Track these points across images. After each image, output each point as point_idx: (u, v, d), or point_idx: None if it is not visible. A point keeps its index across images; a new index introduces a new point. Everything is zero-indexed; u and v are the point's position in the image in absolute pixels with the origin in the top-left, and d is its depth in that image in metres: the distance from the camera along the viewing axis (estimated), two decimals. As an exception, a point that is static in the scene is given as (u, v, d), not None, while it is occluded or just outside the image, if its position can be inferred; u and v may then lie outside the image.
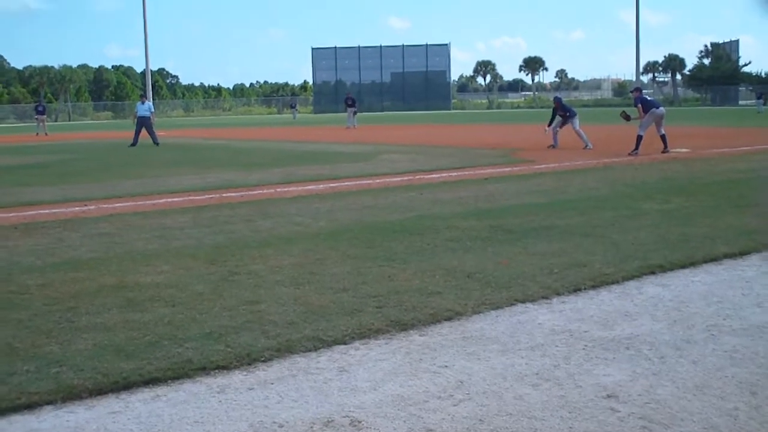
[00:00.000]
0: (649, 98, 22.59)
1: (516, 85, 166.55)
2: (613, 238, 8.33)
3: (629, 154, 19.77)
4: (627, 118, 21.94)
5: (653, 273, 6.82)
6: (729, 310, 5.66)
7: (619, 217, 9.79)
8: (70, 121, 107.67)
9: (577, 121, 23.65)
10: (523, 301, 5.94)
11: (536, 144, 24.85)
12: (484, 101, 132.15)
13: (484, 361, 4.64)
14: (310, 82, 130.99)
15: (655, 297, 6.09)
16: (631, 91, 24.62)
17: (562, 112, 23.92)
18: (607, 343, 4.95)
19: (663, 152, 20.16)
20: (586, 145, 22.62)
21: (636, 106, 21.27)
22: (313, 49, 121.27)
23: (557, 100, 24.98)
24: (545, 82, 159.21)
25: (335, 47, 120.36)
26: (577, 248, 7.80)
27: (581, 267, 6.97)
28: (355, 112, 47.64)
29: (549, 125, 24.19)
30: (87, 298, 6.23)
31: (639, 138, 20.36)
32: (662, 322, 5.41)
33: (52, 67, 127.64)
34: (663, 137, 20.77)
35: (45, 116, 53.12)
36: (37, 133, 48.75)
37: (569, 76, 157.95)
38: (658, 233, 8.58)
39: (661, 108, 21.25)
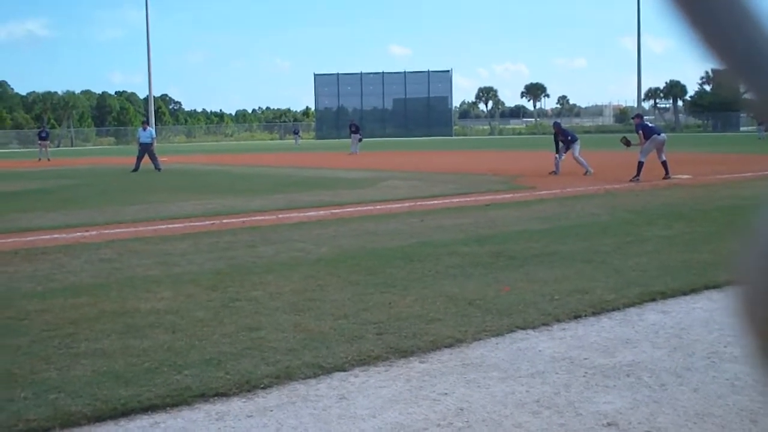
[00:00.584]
0: (650, 125, 22.61)
1: (518, 112, 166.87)
2: (615, 264, 8.32)
3: (630, 180, 19.78)
4: (627, 143, 21.97)
5: (654, 300, 6.80)
6: (730, 338, 5.64)
7: (621, 243, 9.77)
8: (72, 146, 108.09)
9: (577, 147, 23.60)
10: (523, 328, 5.93)
11: (538, 170, 24.87)
12: (485, 127, 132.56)
13: (484, 389, 4.62)
14: (313, 108, 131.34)
15: (656, 324, 6.07)
16: (633, 118, 24.53)
17: (563, 138, 23.83)
18: (608, 370, 4.93)
19: (664, 178, 20.17)
20: (587, 171, 22.66)
21: (637, 132, 21.30)
22: (315, 75, 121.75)
23: (557, 125, 24.92)
24: (547, 108, 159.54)
25: (337, 74, 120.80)
26: (579, 275, 7.79)
27: (582, 294, 6.95)
28: (360, 139, 47.67)
29: (557, 153, 23.84)
30: (86, 324, 6.21)
31: (640, 164, 20.39)
32: (663, 349, 5.39)
33: (56, 92, 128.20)
34: (664, 163, 20.78)
35: (48, 142, 53.27)
36: (40, 159, 48.80)
37: (571, 102, 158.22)
38: (660, 259, 8.57)
39: (663, 134, 21.27)
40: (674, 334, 5.78)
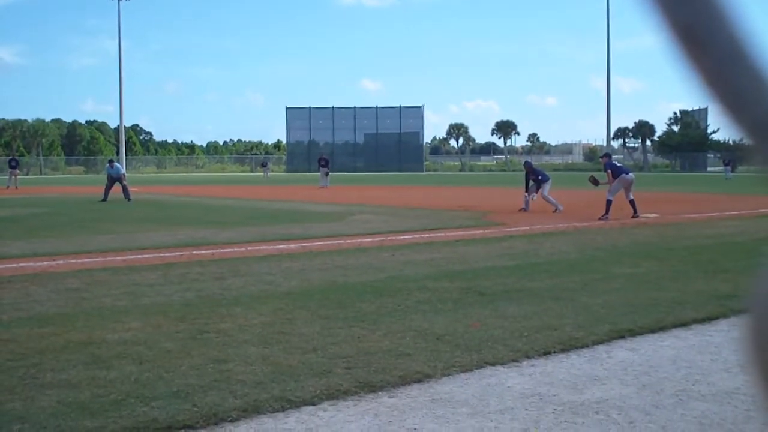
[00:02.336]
0: (618, 164, 22.79)
1: (488, 149, 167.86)
2: (583, 301, 8.35)
3: (599, 219, 19.90)
4: (595, 182, 22.17)
5: (623, 337, 6.84)
6: (698, 376, 5.68)
7: (590, 280, 9.83)
8: (41, 174, 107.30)
9: (548, 186, 23.75)
10: (493, 364, 5.93)
11: (508, 207, 24.99)
12: (456, 164, 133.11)
13: (453, 424, 4.62)
14: (284, 141, 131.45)
15: (625, 361, 6.09)
16: (601, 157, 24.72)
17: (534, 176, 23.92)
18: (577, 407, 4.94)
19: (633, 217, 20.33)
20: (556, 208, 22.79)
21: (606, 171, 21.50)
22: (287, 108, 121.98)
23: (528, 164, 24.99)
24: (517, 145, 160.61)
25: (309, 107, 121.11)
26: (548, 311, 7.81)
27: (551, 330, 6.97)
28: (327, 173, 48.26)
29: (527, 191, 24.00)
30: (52, 354, 6.15)
31: (608, 203, 20.54)
32: (631, 386, 5.41)
33: (25, 120, 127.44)
34: (632, 202, 20.96)
35: (18, 170, 53.02)
36: (8, 186, 48.52)
37: (541, 140, 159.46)
38: (628, 297, 8.62)
39: (631, 174, 21.46)
40: (643, 371, 5.80)
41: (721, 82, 0.62)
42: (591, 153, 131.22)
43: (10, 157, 60.28)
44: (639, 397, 5.15)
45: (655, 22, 0.64)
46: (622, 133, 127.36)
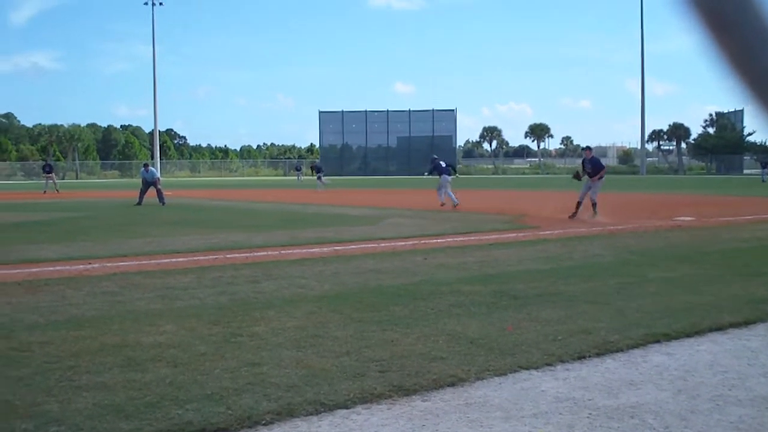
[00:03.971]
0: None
1: (522, 151, 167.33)
2: (618, 305, 8.30)
3: (570, 217, 20.44)
4: (578, 177, 22.58)
5: (658, 341, 6.78)
6: (734, 380, 5.62)
7: (624, 284, 9.76)
8: (77, 179, 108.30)
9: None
10: (526, 368, 5.90)
11: (542, 210, 24.89)
12: (489, 167, 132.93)
13: (487, 429, 4.60)
14: (317, 145, 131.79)
15: (660, 366, 6.04)
16: (584, 149, 24.34)
17: (590, 169, 22.41)
18: (612, 411, 4.90)
19: (571, 217, 21.12)
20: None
21: (596, 165, 21.78)
22: (320, 112, 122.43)
23: (588, 148, 23.74)
24: (551, 148, 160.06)
25: (342, 111, 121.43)
26: (582, 315, 7.77)
27: (586, 334, 6.93)
28: (319, 177, 51.16)
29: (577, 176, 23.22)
30: (88, 356, 6.20)
31: (587, 204, 20.94)
32: (667, 391, 5.36)
33: (61, 125, 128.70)
34: (578, 204, 21.73)
35: (53, 174, 53.59)
36: (45, 191, 49.05)
37: (575, 142, 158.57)
38: (663, 301, 8.55)
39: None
40: (678, 376, 5.75)
41: (749, 64, 0.61)
42: (625, 156, 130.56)
43: (44, 163, 60.95)
44: (675, 402, 5.10)
45: (683, 9, 0.63)
46: (656, 135, 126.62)
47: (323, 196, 41.40)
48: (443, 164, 28.75)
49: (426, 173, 29.28)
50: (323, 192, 46.17)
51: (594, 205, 21.61)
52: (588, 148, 23.47)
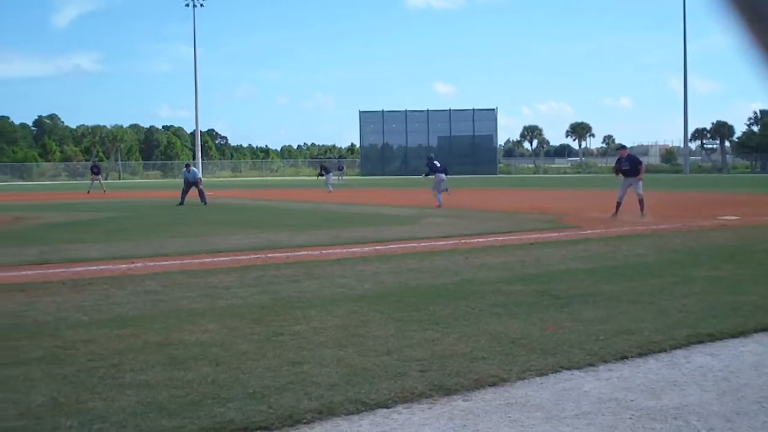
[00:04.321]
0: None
1: (562, 151, 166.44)
2: (661, 305, 8.22)
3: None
4: (617, 172, 22.32)
5: (702, 342, 6.70)
6: (781, 382, 5.54)
7: (667, 284, 9.67)
8: (120, 179, 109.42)
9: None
10: (568, 368, 5.87)
11: (583, 209, 24.74)
12: (530, 166, 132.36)
13: (528, 429, 4.57)
14: (358, 145, 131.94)
15: (704, 366, 5.98)
16: (618, 148, 23.94)
17: (628, 167, 22.11)
18: (655, 412, 4.86)
19: (612, 217, 20.95)
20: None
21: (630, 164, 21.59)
22: (360, 112, 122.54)
23: (624, 147, 23.35)
24: (592, 147, 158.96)
25: (382, 111, 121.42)
26: (624, 315, 7.71)
27: (628, 334, 6.87)
28: (320, 175, 51.73)
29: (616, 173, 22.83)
30: (131, 355, 6.25)
31: (630, 204, 20.75)
32: (711, 392, 5.30)
33: (104, 126, 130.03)
34: (617, 204, 21.51)
35: (100, 176, 54.42)
36: (89, 191, 49.71)
37: (616, 141, 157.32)
38: (707, 301, 8.46)
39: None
40: (723, 377, 5.68)
41: None
42: (668, 154, 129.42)
43: (92, 164, 61.93)
44: (719, 404, 5.05)
45: (721, 5, 0.62)
46: (699, 134, 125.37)
47: (333, 195, 42.23)
48: (438, 164, 29.61)
49: (424, 174, 30.58)
50: (332, 191, 46.49)
51: (641, 202, 21.38)
52: (623, 146, 23.14)
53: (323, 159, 71.76)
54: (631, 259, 12.29)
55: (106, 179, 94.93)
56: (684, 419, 4.73)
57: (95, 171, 54.29)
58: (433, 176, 29.41)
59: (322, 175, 51.41)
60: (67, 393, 5.20)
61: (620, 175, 22.16)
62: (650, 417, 4.77)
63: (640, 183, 21.69)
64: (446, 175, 29.09)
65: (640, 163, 22.52)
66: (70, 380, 5.52)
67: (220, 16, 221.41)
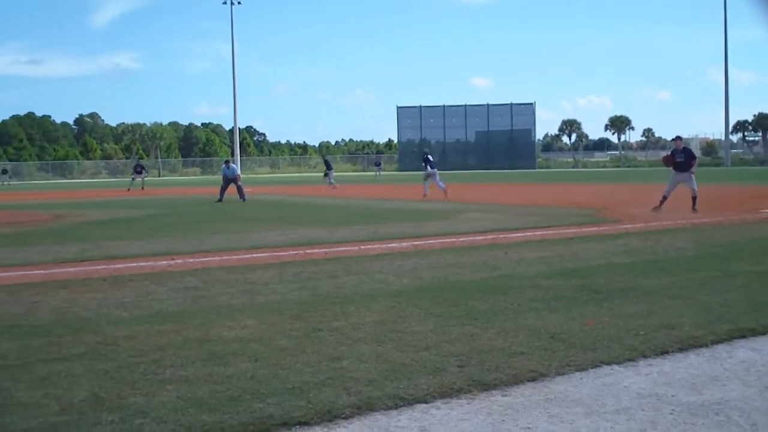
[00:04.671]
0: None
1: (602, 144, 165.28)
2: (702, 299, 8.14)
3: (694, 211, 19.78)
4: (668, 163, 22.04)
5: (744, 336, 6.63)
6: (824, 377, 5.47)
7: (708, 278, 9.57)
8: (159, 176, 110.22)
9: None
10: (608, 363, 5.83)
11: (622, 203, 24.56)
12: (569, 160, 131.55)
13: (568, 424, 4.55)
14: (395, 140, 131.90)
15: (747, 361, 5.91)
16: (674, 139, 23.23)
17: (683, 158, 21.84)
18: (696, 408, 4.81)
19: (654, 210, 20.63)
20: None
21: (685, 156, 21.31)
22: (398, 107, 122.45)
23: (679, 138, 22.97)
24: (631, 141, 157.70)
25: (420, 106, 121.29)
26: (665, 310, 7.64)
27: (668, 329, 6.82)
28: (326, 174, 52.05)
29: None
30: (171, 350, 6.30)
31: (680, 198, 20.48)
32: (754, 387, 5.24)
33: (144, 124, 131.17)
34: (663, 198, 21.19)
35: (143, 175, 55.40)
36: (129, 189, 50.42)
37: (656, 135, 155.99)
38: (749, 295, 8.36)
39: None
40: (765, 372, 5.61)
41: None
42: (709, 147, 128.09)
43: (137, 163, 63.13)
44: (762, 399, 4.99)
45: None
46: (741, 126, 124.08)
47: (333, 191, 42.96)
48: (431, 158, 34.13)
49: (424, 170, 33.83)
50: (331, 188, 46.85)
51: (694, 199, 21.01)
52: (678, 138, 22.71)
53: (327, 156, 71.44)
54: (672, 253, 12.19)
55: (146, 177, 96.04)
56: (726, 415, 4.68)
57: (138, 170, 55.44)
58: (428, 169, 33.18)
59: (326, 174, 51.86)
60: (108, 388, 5.25)
61: (671, 168, 21.87)
62: (691, 412, 4.73)
63: (694, 177, 21.33)
64: (435, 170, 33.33)
65: (694, 157, 22.22)
66: (112, 376, 5.57)
67: (258, 13, 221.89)
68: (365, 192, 40.44)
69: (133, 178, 54.46)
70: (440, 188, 32.10)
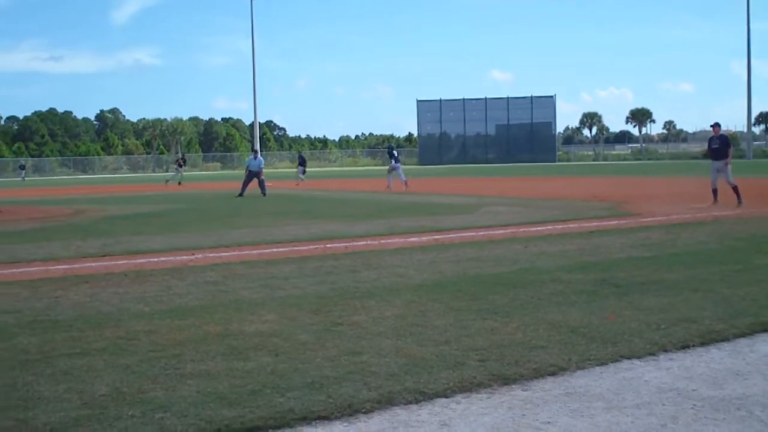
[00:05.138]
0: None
1: (623, 137, 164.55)
2: (723, 293, 8.10)
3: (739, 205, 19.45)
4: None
5: (766, 330, 6.59)
6: None
7: (730, 271, 9.52)
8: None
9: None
10: (628, 358, 5.81)
11: (643, 196, 24.44)
12: (590, 153, 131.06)
13: (588, 419, 4.54)
14: (415, 134, 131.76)
15: (768, 355, 5.88)
16: (712, 126, 22.14)
17: (718, 145, 21.34)
18: (717, 402, 4.79)
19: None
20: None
21: (720, 143, 20.93)
22: (418, 101, 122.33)
23: (717, 125, 22.03)
24: (653, 133, 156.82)
25: (440, 100, 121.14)
26: (686, 303, 7.61)
27: (690, 323, 6.79)
28: (303, 171, 50.85)
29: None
30: (192, 345, 6.33)
31: (734, 188, 20.02)
32: (775, 381, 5.21)
33: (164, 119, 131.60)
34: (714, 191, 20.61)
35: (181, 168, 55.97)
36: (180, 183, 51.43)
37: (677, 127, 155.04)
38: (771, 289, 8.31)
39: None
40: (787, 366, 5.58)
41: None
42: (731, 139, 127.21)
43: (180, 156, 63.75)
44: (784, 393, 4.96)
45: None
46: (764, 118, 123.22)
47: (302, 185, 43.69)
48: (396, 154, 37.40)
49: (389, 162, 37.41)
50: (301, 183, 47.10)
51: (735, 190, 20.41)
52: (717, 124, 21.86)
53: (302, 152, 71.14)
54: (693, 246, 12.12)
55: (166, 171, 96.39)
56: (747, 410, 4.66)
57: (181, 164, 56.32)
58: (392, 162, 36.58)
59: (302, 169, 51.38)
60: (129, 383, 5.27)
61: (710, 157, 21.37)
62: (712, 407, 4.71)
63: (729, 169, 20.84)
64: (399, 165, 36.90)
65: (729, 145, 21.70)
66: (133, 370, 5.60)
67: (278, 8, 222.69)
68: (384, 186, 40.44)
69: (177, 171, 55.08)
70: (402, 181, 35.39)
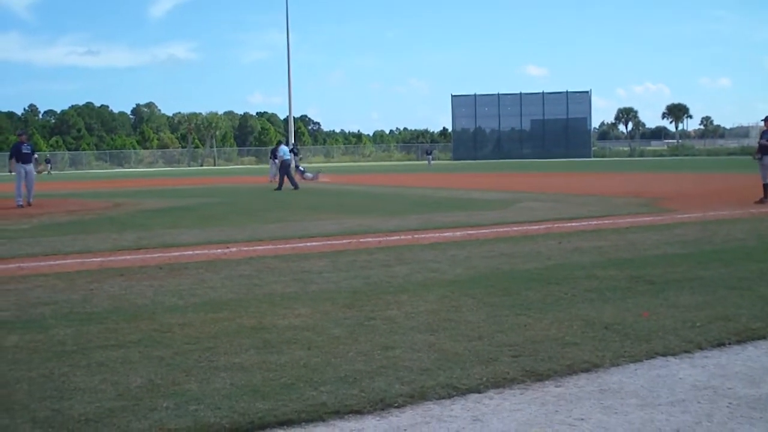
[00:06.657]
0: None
1: (659, 133, 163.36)
2: (761, 291, 8.01)
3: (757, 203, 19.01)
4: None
5: (804, 329, 6.52)
6: None
7: (767, 269, 9.41)
8: (215, 165, 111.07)
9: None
10: (663, 355, 5.76)
11: (679, 192, 24.24)
12: (625, 149, 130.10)
13: (622, 416, 4.51)
14: (450, 129, 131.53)
15: (806, 354, 5.81)
16: (764, 120, 20.94)
17: (766, 141, 20.43)
18: (754, 401, 4.74)
19: (758, 202, 19.28)
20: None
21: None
22: (452, 96, 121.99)
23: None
24: (689, 129, 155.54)
25: (475, 95, 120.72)
26: (722, 301, 7.53)
27: (726, 321, 6.72)
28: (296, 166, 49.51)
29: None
30: (226, 338, 6.36)
31: (765, 186, 19.48)
32: (813, 380, 5.15)
33: (199, 113, 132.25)
34: (765, 187, 19.83)
35: (298, 157, 52.96)
36: (300, 179, 50.47)
37: (715, 123, 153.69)
38: (809, 287, 8.21)
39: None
40: (825, 365, 5.52)
41: None
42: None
43: (293, 146, 61.66)
44: (821, 392, 4.90)
45: None
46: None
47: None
48: (286, 149, 37.23)
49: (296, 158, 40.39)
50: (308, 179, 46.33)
51: (765, 187, 19.74)
52: None
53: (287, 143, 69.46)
54: (730, 243, 12.00)
55: (201, 165, 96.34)
56: (784, 408, 4.61)
57: (295, 152, 54.50)
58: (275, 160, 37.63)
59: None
60: (163, 375, 5.31)
61: (758, 155, 20.39)
62: (749, 406, 4.66)
63: None
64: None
65: None
66: (167, 362, 5.64)
67: (313, 2, 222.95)
68: (418, 181, 40.40)
69: (274, 164, 52.82)
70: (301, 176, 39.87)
